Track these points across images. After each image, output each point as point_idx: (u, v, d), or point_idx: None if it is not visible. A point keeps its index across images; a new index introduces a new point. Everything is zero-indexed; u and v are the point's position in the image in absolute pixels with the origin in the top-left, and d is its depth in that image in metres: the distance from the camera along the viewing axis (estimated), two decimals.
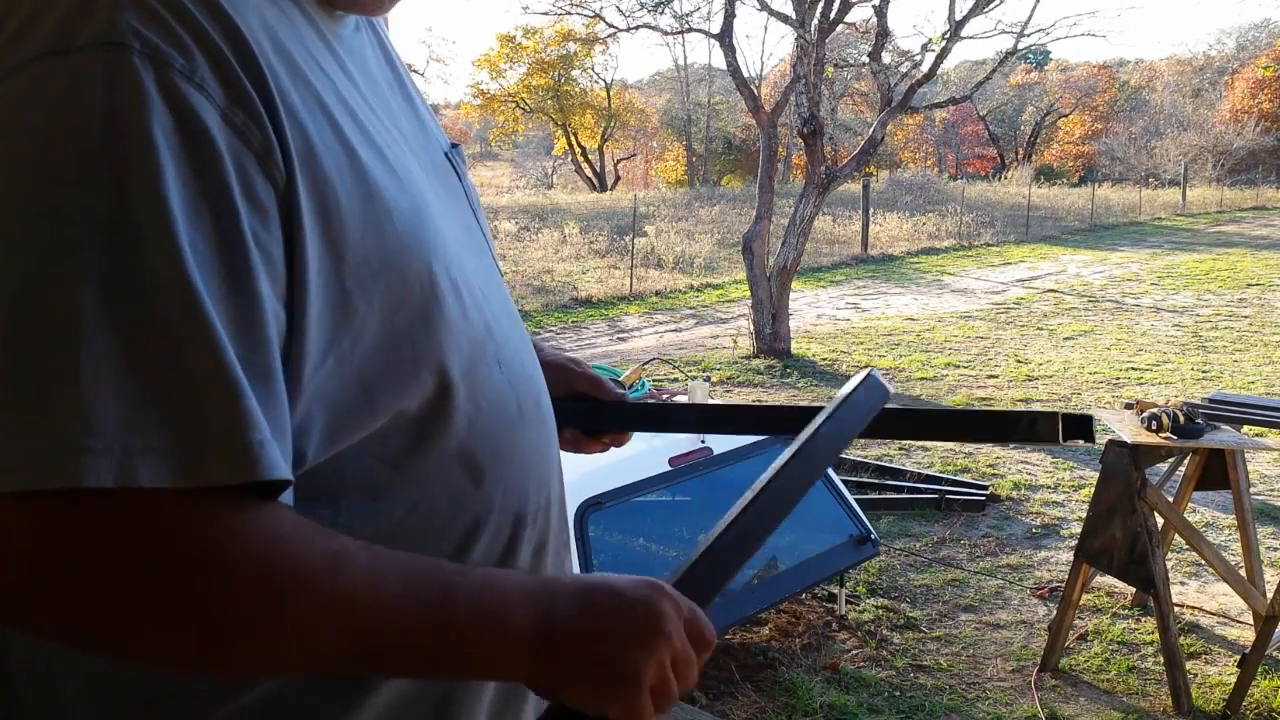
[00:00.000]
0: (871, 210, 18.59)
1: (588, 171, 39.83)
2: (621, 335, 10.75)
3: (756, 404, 1.26)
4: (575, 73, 39.28)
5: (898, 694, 3.66)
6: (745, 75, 9.91)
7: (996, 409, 1.17)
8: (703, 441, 3.92)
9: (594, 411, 1.25)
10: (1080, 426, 1.11)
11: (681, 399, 4.27)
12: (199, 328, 0.67)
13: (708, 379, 5.64)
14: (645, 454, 3.73)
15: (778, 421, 1.19)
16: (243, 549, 0.70)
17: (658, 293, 13.37)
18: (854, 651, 3.96)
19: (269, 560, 0.71)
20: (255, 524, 0.70)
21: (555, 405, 1.15)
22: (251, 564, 0.70)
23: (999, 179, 40.50)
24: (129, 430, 0.65)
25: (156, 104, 0.69)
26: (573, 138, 39.51)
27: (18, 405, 0.64)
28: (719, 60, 33.98)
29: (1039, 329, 10.61)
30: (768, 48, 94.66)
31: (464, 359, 0.87)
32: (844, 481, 4.59)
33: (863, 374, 1.05)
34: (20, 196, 0.67)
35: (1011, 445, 6.61)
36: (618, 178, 42.34)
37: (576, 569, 3.19)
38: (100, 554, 0.66)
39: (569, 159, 41.29)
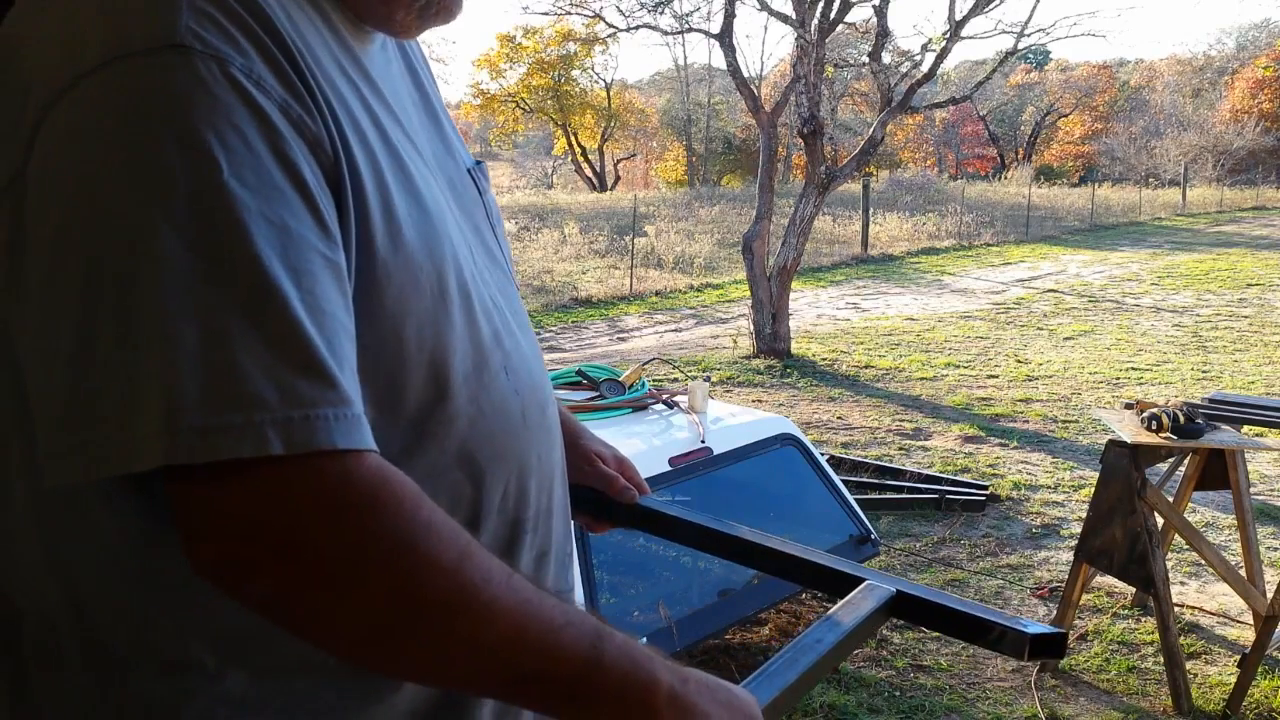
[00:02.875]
0: (871, 210, 18.59)
1: (588, 171, 39.82)
2: (621, 335, 10.75)
3: (760, 540, 1.25)
4: (575, 73, 39.27)
5: (897, 694, 3.66)
6: (745, 75, 9.91)
7: (976, 615, 1.16)
8: (703, 442, 3.92)
9: (602, 505, 1.30)
10: (1051, 646, 1.09)
11: (682, 399, 4.26)
12: (281, 306, 0.69)
13: (708, 379, 5.62)
14: (646, 453, 3.73)
15: (780, 566, 1.25)
16: (430, 523, 0.73)
17: (658, 293, 13.37)
18: (854, 652, 3.96)
19: (457, 542, 0.73)
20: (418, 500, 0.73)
21: (572, 490, 1.20)
22: (447, 548, 0.72)
23: (999, 179, 40.48)
24: (236, 406, 0.67)
25: (224, 101, 0.71)
26: (573, 138, 39.50)
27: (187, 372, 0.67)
28: (719, 60, 33.94)
29: (1039, 329, 10.61)
30: (768, 48, 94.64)
31: (469, 364, 0.89)
32: (844, 481, 4.59)
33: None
34: (104, 206, 0.68)
35: (1010, 457, 6.61)
36: (618, 178, 42.32)
37: (578, 582, 3.20)
38: (298, 518, 0.69)
39: (569, 159, 41.29)
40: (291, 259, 0.71)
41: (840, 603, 1.11)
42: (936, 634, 4.07)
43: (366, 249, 0.79)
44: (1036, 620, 4.18)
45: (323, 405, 0.69)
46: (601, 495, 1.29)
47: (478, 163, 1.10)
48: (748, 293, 9.64)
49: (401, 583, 0.70)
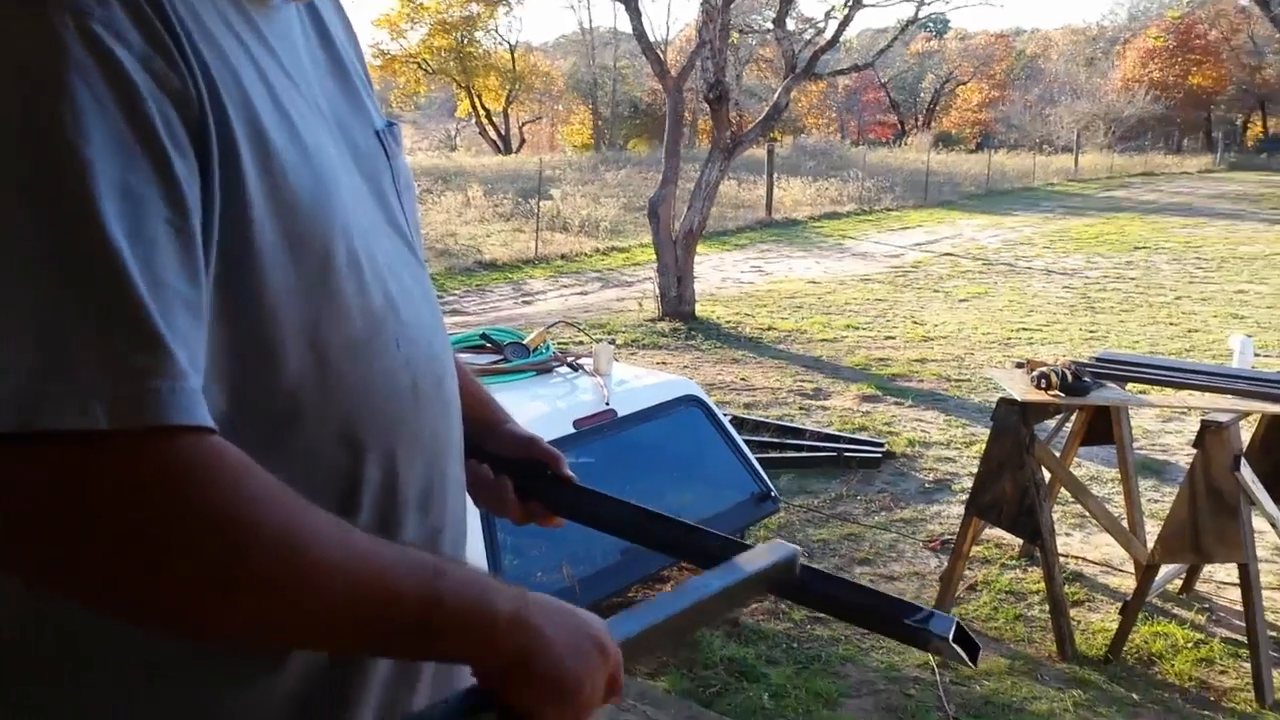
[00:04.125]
0: (776, 175, 18.74)
1: (492, 134, 39.35)
2: (526, 299, 10.70)
3: (691, 525, 1.23)
4: (479, 34, 38.71)
5: (795, 646, 3.75)
6: (651, 40, 9.87)
7: (895, 599, 1.11)
8: (607, 404, 3.94)
9: (539, 479, 1.24)
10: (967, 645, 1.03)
11: (586, 362, 4.27)
12: (118, 275, 0.67)
13: (613, 342, 5.66)
14: (550, 416, 3.74)
15: (702, 549, 1.17)
16: (254, 496, 0.70)
17: (563, 256, 13.33)
18: (753, 605, 4.04)
19: (284, 509, 0.72)
20: (234, 468, 0.70)
21: (504, 463, 1.20)
22: (270, 519, 0.71)
23: (899, 145, 41.15)
24: (59, 376, 0.65)
25: (76, 52, 0.68)
26: (476, 100, 38.96)
27: None
28: (625, 24, 33.74)
29: (935, 291, 10.85)
30: (673, 12, 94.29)
31: (354, 334, 0.86)
32: (746, 441, 4.66)
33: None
34: None
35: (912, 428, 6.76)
36: (523, 141, 41.92)
37: (483, 556, 3.20)
38: (116, 494, 0.66)
39: (473, 121, 40.74)
40: (133, 225, 0.68)
41: (731, 560, 1.08)
42: None
43: (237, 212, 0.76)
44: (928, 572, 4.31)
45: (153, 378, 0.67)
46: (535, 471, 1.24)
47: (390, 124, 1.06)
48: (653, 256, 9.67)
49: (220, 558, 0.69)
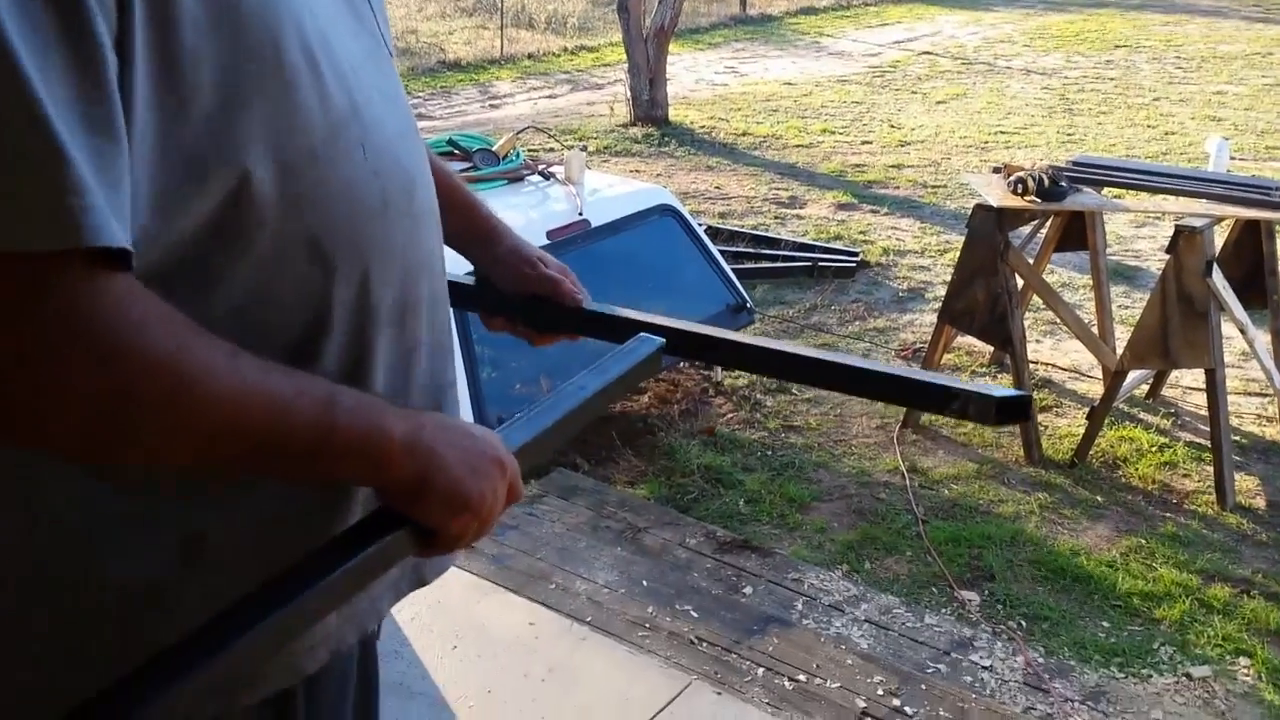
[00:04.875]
0: None
1: None
2: (493, 102, 10.40)
3: (710, 332, 1.20)
4: None
5: (770, 453, 3.83)
6: None
7: (939, 380, 1.14)
8: (580, 214, 3.87)
9: (546, 313, 1.24)
10: (1016, 406, 1.09)
11: (558, 169, 4.17)
12: (13, 85, 0.64)
13: (584, 148, 5.50)
14: (522, 227, 3.62)
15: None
16: (143, 322, 0.70)
17: (530, 55, 12.88)
18: (729, 415, 4.10)
19: (172, 337, 0.72)
20: (125, 295, 0.70)
21: (510, 300, 1.21)
22: (158, 346, 0.71)
23: None
24: None
25: None
26: None
27: None
28: None
29: (913, 92, 10.62)
30: None
31: (313, 140, 0.82)
32: (721, 251, 4.62)
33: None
34: None
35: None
36: None
37: (461, 372, 3.18)
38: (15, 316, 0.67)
39: None
40: (13, 30, 0.64)
41: (612, 351, 1.13)
42: (807, 397, 4.23)
43: (168, 13, 0.72)
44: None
45: (54, 196, 0.65)
46: (544, 301, 1.23)
47: None
48: (624, 56, 9.36)
49: (113, 385, 0.70)
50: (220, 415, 0.74)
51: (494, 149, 4.18)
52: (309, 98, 0.81)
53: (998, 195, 3.71)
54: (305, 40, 0.81)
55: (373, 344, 0.92)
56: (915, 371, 1.20)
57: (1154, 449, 3.84)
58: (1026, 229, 4.33)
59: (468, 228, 1.24)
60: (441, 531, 0.87)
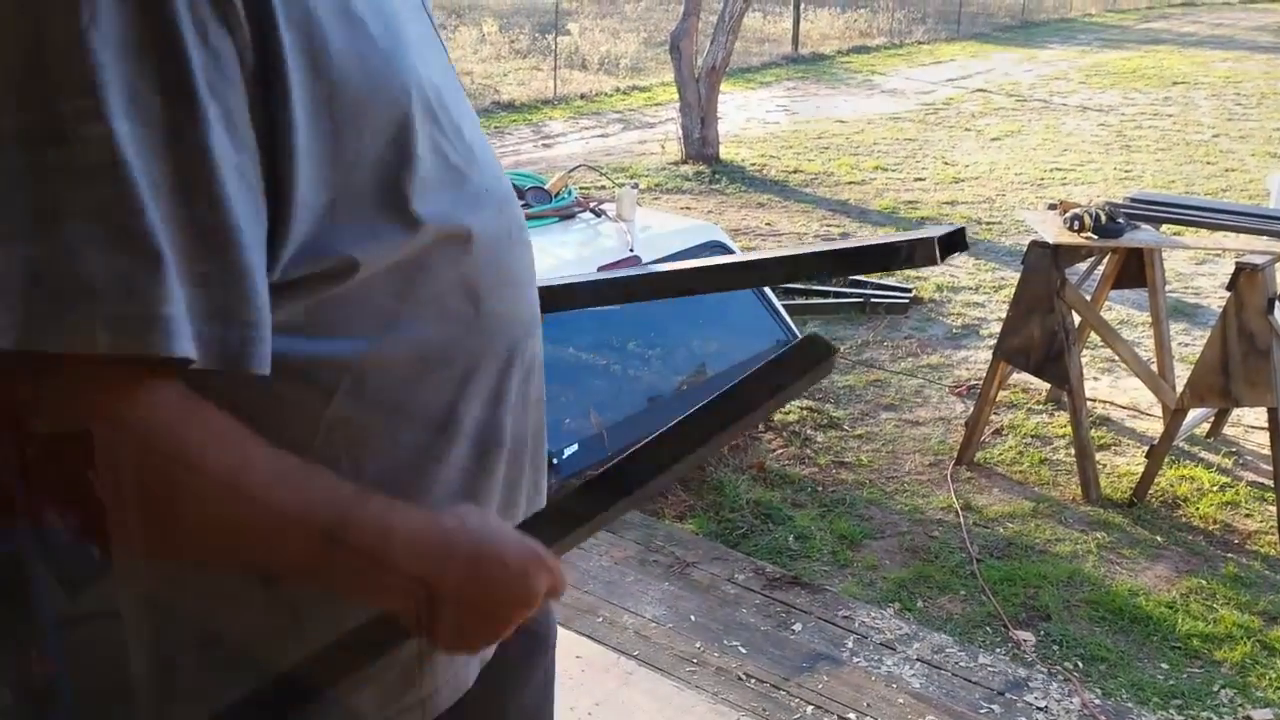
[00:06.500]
0: (802, 6, 18.08)
1: None
2: (546, 141, 10.51)
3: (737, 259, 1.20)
4: None
5: (820, 489, 3.79)
6: None
7: (872, 240, 1.11)
8: (631, 251, 3.89)
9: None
10: (954, 241, 1.07)
11: (609, 207, 4.20)
12: (117, 182, 0.65)
13: (635, 186, 5.53)
14: (573, 263, 3.70)
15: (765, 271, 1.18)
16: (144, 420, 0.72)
17: (583, 96, 13.01)
18: (779, 451, 4.08)
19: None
20: (152, 398, 0.72)
21: None
22: (155, 434, 0.72)
23: None
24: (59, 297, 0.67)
25: None
26: None
27: None
28: None
29: (967, 129, 10.58)
30: None
31: (447, 185, 0.87)
32: (771, 288, 4.61)
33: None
34: None
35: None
36: None
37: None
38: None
39: None
40: (123, 129, 0.65)
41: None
42: (859, 433, 4.19)
43: (324, 86, 0.75)
44: (954, 417, 4.32)
45: (140, 304, 0.67)
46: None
47: None
48: (676, 95, 9.43)
49: (163, 493, 0.74)
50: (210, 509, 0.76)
51: (546, 187, 4.22)
52: (449, 152, 0.87)
53: (1054, 232, 3.67)
54: (424, 92, 0.84)
55: (510, 371, 0.94)
56: (850, 240, 1.17)
57: (1215, 488, 3.76)
58: (1083, 265, 4.28)
59: None
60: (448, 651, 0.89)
